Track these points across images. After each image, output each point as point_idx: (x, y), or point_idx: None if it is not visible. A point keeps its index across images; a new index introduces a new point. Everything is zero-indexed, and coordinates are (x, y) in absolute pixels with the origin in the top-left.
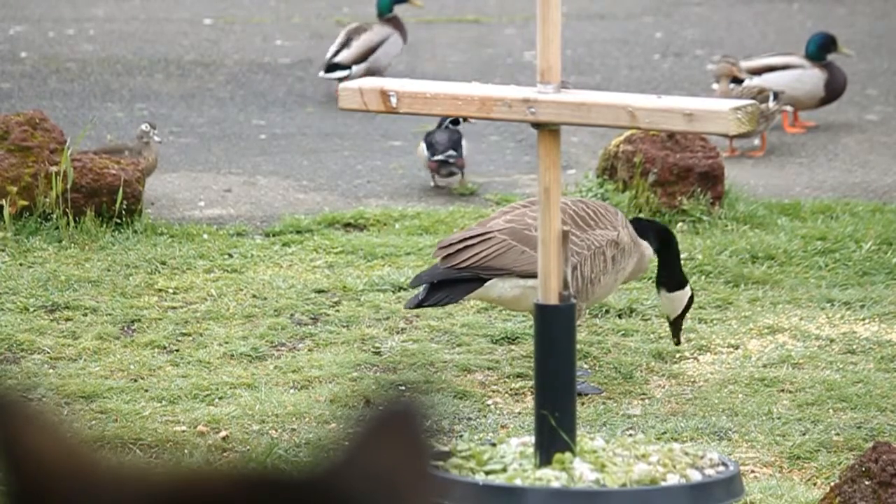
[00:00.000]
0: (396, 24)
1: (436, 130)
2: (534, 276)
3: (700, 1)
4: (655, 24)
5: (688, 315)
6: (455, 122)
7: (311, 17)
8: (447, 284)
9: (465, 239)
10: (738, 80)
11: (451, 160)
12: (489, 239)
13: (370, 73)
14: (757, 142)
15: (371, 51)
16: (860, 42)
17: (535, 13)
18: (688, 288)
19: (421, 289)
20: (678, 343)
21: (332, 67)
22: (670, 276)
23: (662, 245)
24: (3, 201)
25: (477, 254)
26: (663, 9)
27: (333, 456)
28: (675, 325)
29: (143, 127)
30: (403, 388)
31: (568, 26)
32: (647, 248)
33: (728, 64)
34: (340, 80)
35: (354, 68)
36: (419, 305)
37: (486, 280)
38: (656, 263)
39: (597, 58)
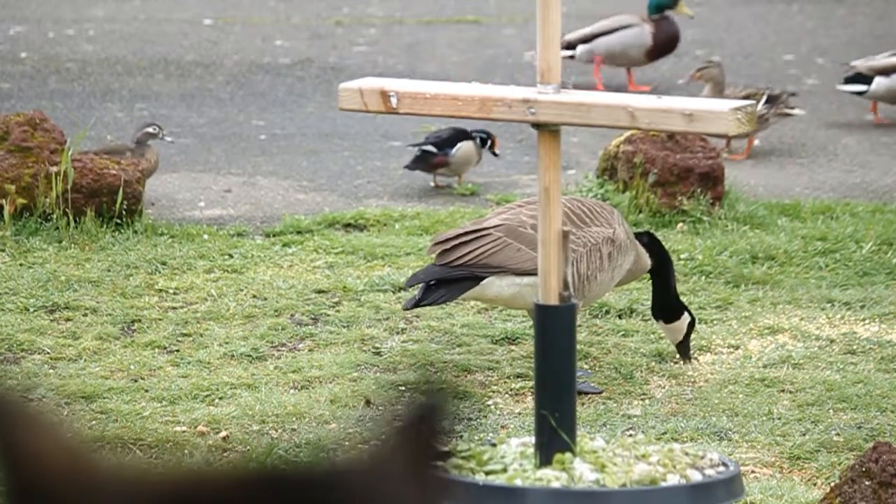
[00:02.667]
0: (658, 23)
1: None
2: (530, 273)
3: (700, 1)
4: None
5: (692, 336)
6: (483, 141)
7: (311, 18)
8: (443, 283)
9: (461, 235)
10: (866, 80)
11: (422, 152)
12: (484, 236)
13: (593, 55)
14: (740, 144)
15: (596, 36)
16: (860, 42)
17: (536, 14)
18: (686, 315)
19: (418, 289)
20: (688, 362)
21: (566, 45)
22: (664, 305)
23: (656, 266)
24: (3, 201)
25: (472, 251)
26: None
27: (335, 456)
28: (681, 348)
29: (150, 129)
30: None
31: (568, 27)
32: (644, 250)
33: (717, 69)
34: (570, 57)
35: (579, 48)
36: (416, 305)
37: (482, 278)
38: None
39: None
